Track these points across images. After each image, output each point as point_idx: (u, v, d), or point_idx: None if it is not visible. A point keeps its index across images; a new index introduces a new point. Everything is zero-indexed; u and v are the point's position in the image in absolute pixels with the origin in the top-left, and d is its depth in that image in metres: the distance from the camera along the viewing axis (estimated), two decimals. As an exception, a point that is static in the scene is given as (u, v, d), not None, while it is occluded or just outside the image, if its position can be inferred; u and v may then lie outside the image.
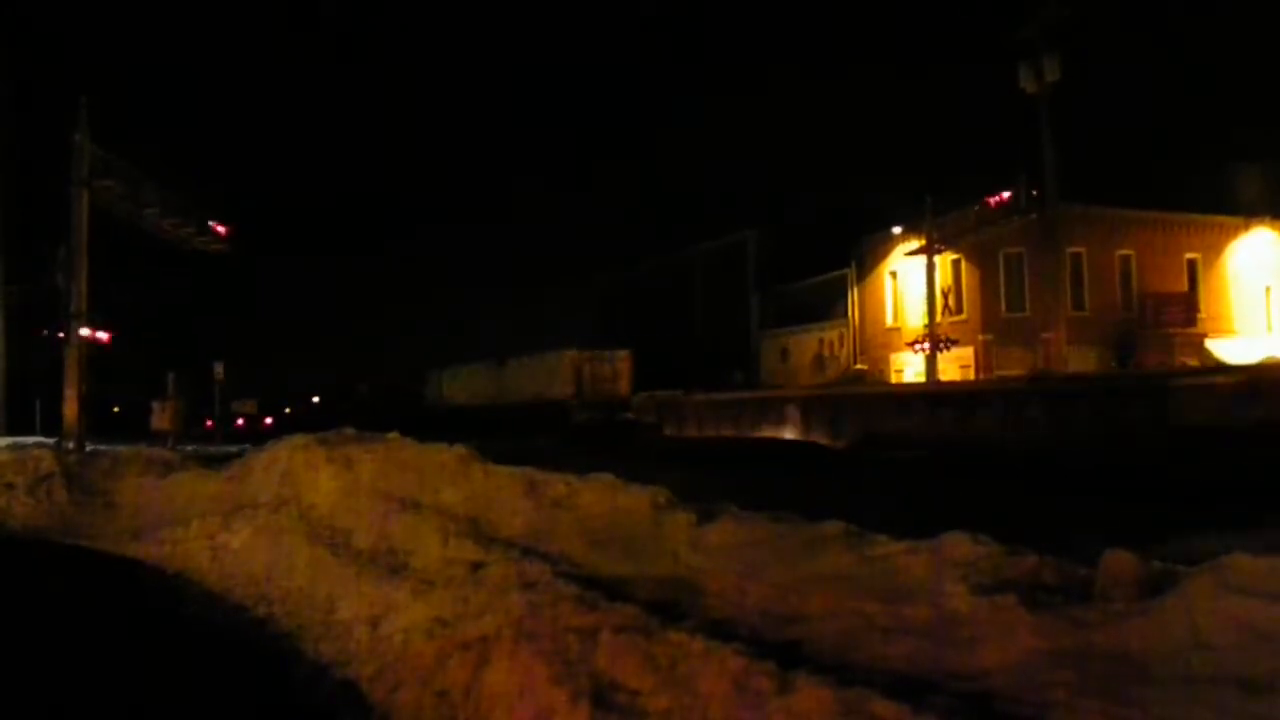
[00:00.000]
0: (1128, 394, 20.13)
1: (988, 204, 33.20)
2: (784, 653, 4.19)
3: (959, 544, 4.76)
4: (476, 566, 6.60)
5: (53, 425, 25.63)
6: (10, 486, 14.90)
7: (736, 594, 5.21)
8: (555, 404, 35.59)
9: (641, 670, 4.36)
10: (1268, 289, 38.44)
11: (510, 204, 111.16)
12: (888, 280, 40.65)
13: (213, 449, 22.97)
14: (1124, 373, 27.69)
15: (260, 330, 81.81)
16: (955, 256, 36.65)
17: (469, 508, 8.60)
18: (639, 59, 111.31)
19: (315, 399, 68.61)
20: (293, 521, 10.08)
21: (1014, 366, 33.40)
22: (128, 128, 61.89)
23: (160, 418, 27.52)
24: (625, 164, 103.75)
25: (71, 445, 20.45)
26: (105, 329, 24.09)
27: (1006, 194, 32.29)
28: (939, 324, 34.69)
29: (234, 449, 19.86)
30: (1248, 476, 12.90)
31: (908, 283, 39.04)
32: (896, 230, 38.47)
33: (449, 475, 9.57)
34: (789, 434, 29.27)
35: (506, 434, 23.38)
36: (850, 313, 41.99)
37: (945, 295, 36.14)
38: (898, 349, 38.60)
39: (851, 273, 41.90)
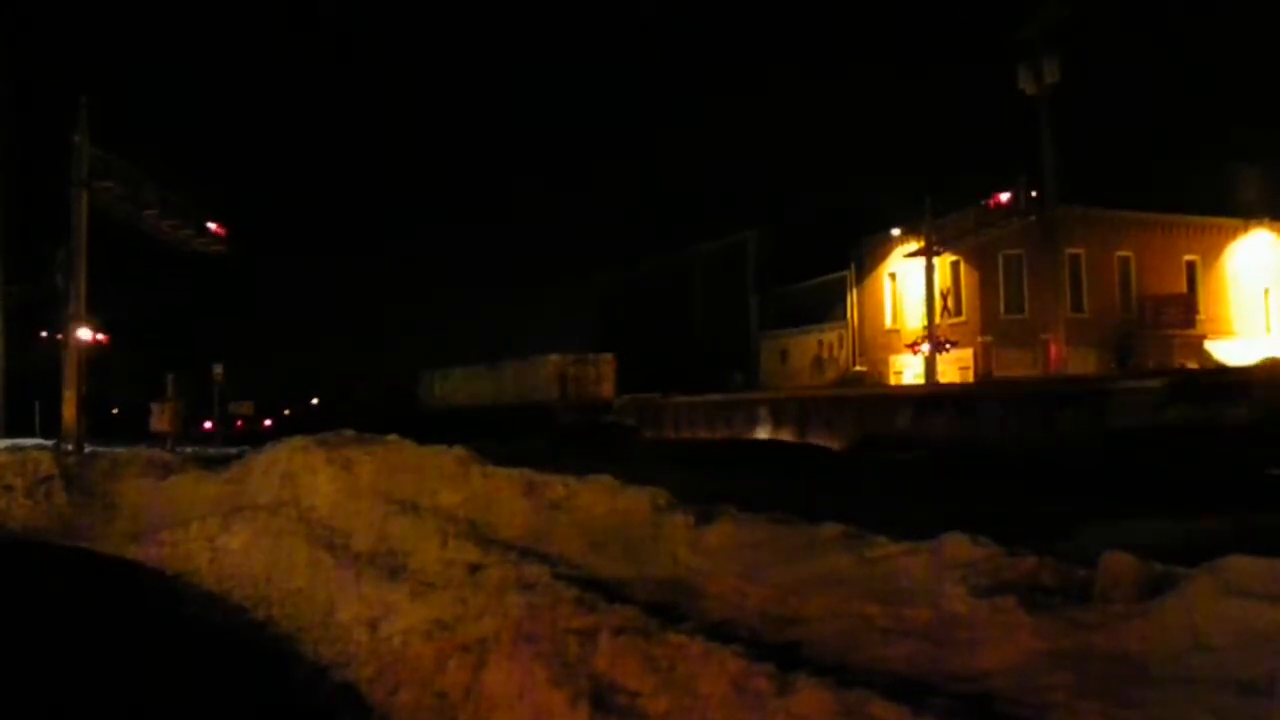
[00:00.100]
0: (1067, 398, 21.99)
1: (987, 205, 33.21)
2: (783, 654, 4.18)
3: (958, 545, 4.76)
4: (475, 568, 6.60)
5: (52, 426, 25.61)
6: (9, 488, 14.90)
7: (736, 595, 5.21)
8: (539, 406, 36.49)
9: (641, 672, 4.36)
10: (1266, 290, 38.44)
11: (510, 204, 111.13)
12: (887, 282, 40.66)
13: (212, 451, 22.98)
14: (1066, 377, 28.98)
15: (260, 331, 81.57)
16: (954, 258, 36.66)
17: (468, 509, 8.61)
18: (639, 59, 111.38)
19: (314, 400, 68.60)
20: (292, 523, 10.08)
21: (1013, 368, 33.45)
22: (128, 128, 61.85)
23: (159, 419, 27.48)
24: (625, 164, 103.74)
25: (71, 447, 20.42)
26: (104, 330, 24.07)
27: (1006, 195, 32.29)
28: (938, 326, 34.69)
29: (233, 450, 19.87)
30: (1158, 473, 14.75)
31: (907, 284, 39.06)
32: (895, 232, 38.50)
33: (448, 477, 9.57)
34: (761, 434, 30.98)
35: (492, 435, 23.57)
36: (849, 314, 42.01)
37: (944, 297, 36.14)
38: (897, 351, 38.62)
39: (851, 274, 41.92)
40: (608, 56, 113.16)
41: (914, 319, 37.79)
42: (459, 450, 10.13)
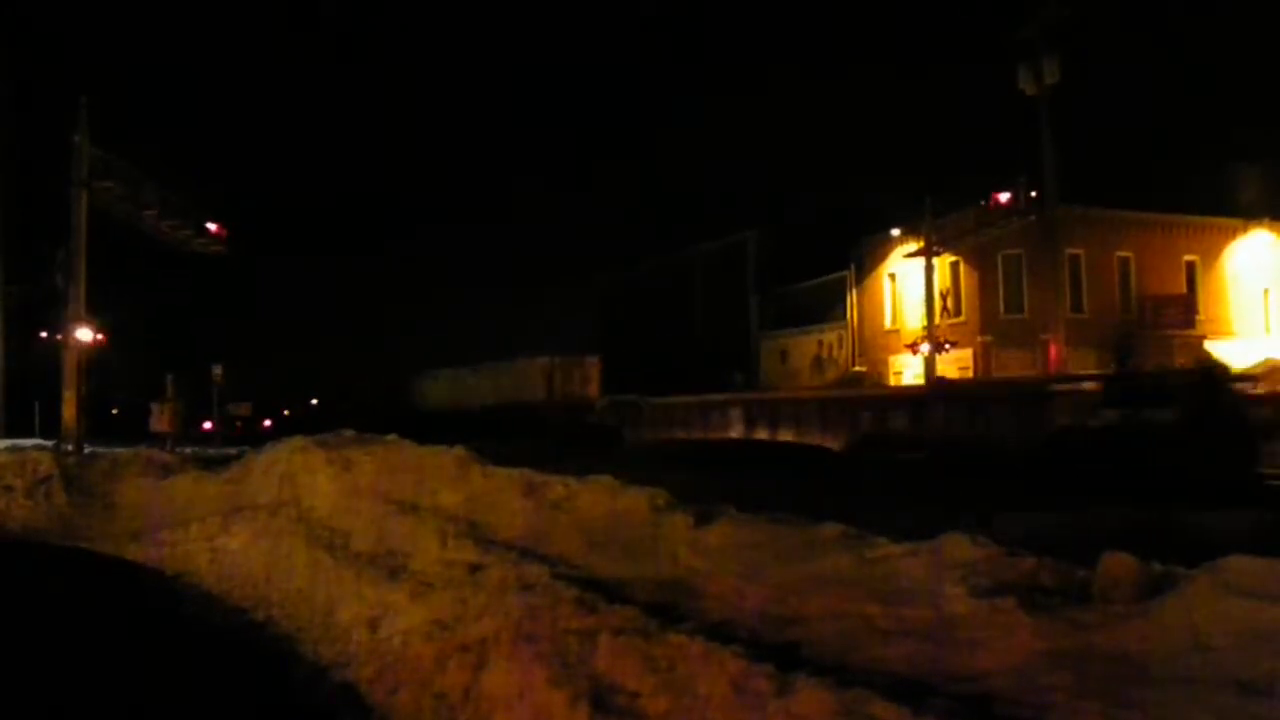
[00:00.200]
0: (1016, 399, 24.05)
1: (987, 205, 33.20)
2: (783, 655, 4.18)
3: (958, 546, 4.77)
4: (475, 568, 6.60)
5: (52, 427, 25.59)
6: (9, 488, 14.88)
7: (736, 596, 5.21)
8: (526, 407, 37.07)
9: (641, 672, 4.36)
10: (1266, 291, 38.44)
11: (510, 204, 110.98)
12: (886, 282, 40.64)
13: (212, 451, 22.96)
14: (1017, 379, 30.36)
15: (260, 331, 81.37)
16: (954, 258, 36.65)
17: (468, 509, 8.60)
18: (639, 59, 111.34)
19: (314, 400, 68.51)
20: (292, 523, 10.07)
21: (1013, 368, 33.46)
22: (128, 128, 61.88)
23: (159, 420, 27.49)
24: (625, 164, 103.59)
25: (70, 447, 20.41)
26: (104, 330, 24.06)
27: (1006, 195, 32.28)
28: (938, 326, 34.68)
29: (233, 451, 19.84)
30: (1084, 471, 16.39)
31: (906, 285, 39.04)
32: (895, 232, 38.48)
33: (448, 477, 9.57)
34: (733, 434, 32.44)
35: (480, 435, 23.77)
36: (849, 314, 42.00)
37: (944, 297, 36.13)
38: (897, 351, 38.59)
39: (850, 274, 41.91)
40: (608, 56, 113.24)
41: (914, 319, 37.77)
42: (459, 450, 10.13)
